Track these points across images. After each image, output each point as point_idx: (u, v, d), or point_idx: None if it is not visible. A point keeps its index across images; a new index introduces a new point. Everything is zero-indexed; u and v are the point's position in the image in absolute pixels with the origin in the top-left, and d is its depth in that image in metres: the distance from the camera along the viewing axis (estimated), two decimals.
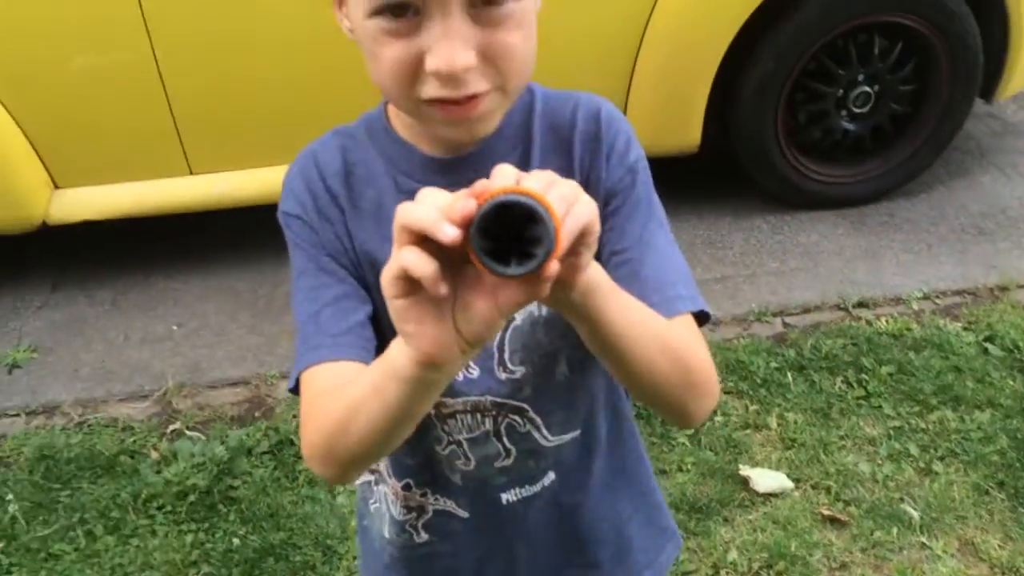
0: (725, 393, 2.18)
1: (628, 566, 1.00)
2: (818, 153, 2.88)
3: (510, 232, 0.54)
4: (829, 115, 2.81)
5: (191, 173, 2.63)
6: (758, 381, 2.20)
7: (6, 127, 2.44)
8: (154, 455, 2.13)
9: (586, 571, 0.98)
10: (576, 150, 0.79)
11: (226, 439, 2.14)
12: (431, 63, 0.66)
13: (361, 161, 0.81)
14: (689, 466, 1.99)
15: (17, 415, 2.31)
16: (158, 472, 2.07)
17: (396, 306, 0.57)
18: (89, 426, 2.24)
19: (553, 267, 0.54)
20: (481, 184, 0.55)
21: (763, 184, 2.91)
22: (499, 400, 0.84)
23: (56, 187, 2.61)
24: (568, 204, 0.55)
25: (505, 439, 0.87)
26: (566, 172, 0.78)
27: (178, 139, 2.54)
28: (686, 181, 2.95)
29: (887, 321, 2.37)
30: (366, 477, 0.99)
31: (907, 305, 2.45)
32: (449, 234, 0.52)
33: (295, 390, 0.79)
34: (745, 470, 1.95)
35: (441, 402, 0.84)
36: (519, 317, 0.82)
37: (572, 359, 0.85)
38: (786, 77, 2.68)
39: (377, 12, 0.67)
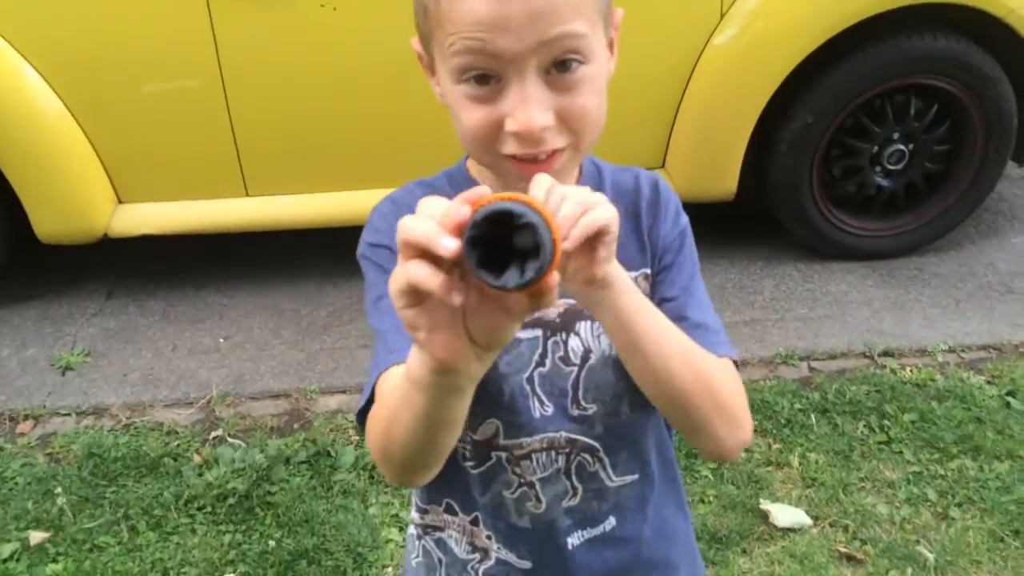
0: None
1: None
2: (851, 206, 2.95)
3: (509, 239, 0.52)
4: (863, 170, 2.89)
5: (247, 195, 2.76)
6: (782, 421, 2.26)
7: (79, 145, 2.60)
8: (196, 459, 2.23)
9: None
10: (643, 214, 0.89)
11: (265, 448, 2.23)
12: (511, 125, 0.74)
13: None
14: (711, 498, 2.05)
15: (68, 415, 2.42)
16: (200, 475, 2.16)
17: (406, 316, 0.57)
18: (136, 428, 2.35)
19: (554, 279, 0.54)
20: (477, 191, 0.55)
21: (796, 233, 2.98)
22: (573, 436, 0.88)
23: (119, 202, 2.75)
24: (586, 207, 0.61)
25: (574, 477, 0.90)
26: (635, 232, 0.89)
27: (238, 162, 2.68)
28: (720, 226, 3.03)
29: (912, 371, 2.42)
30: (410, 531, 1.03)
31: (932, 357, 2.50)
32: (448, 247, 0.52)
33: (365, 411, 0.81)
34: (766, 505, 2.01)
35: (517, 443, 0.88)
36: (594, 357, 0.87)
37: (633, 401, 0.88)
38: (822, 132, 2.77)
39: (463, 80, 0.75)
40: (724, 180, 2.80)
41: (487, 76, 0.73)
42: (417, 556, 1.02)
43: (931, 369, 2.43)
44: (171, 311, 2.88)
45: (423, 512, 0.99)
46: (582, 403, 0.88)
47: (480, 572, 0.96)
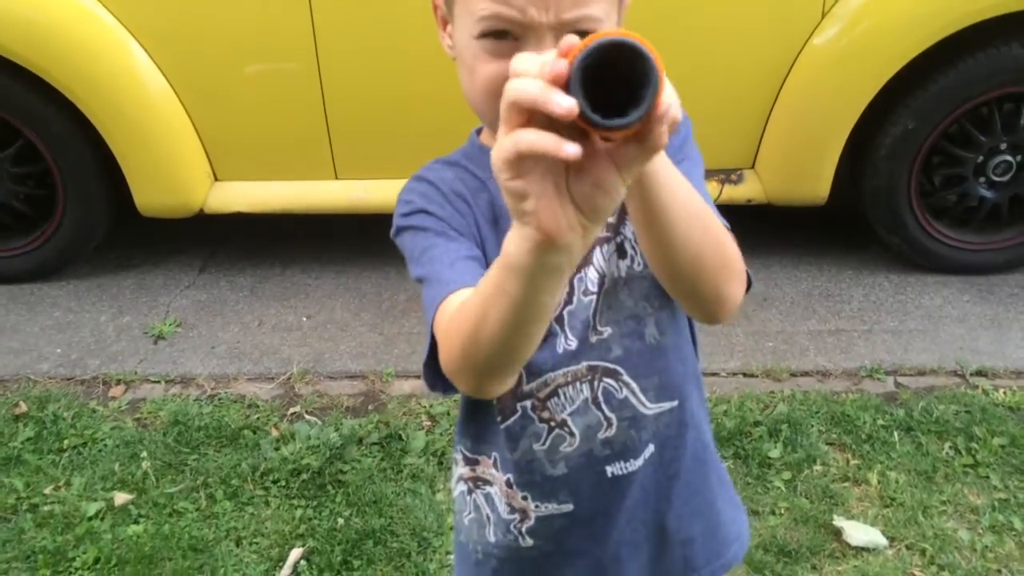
0: (827, 444, 2.17)
1: (719, 539, 1.03)
2: (951, 217, 2.84)
3: (604, 90, 0.50)
4: (966, 180, 2.77)
5: (336, 177, 2.82)
6: (863, 437, 2.18)
7: (182, 124, 2.70)
8: (274, 433, 2.29)
9: (683, 548, 1.00)
10: None
11: (340, 427, 2.28)
12: None
13: (467, 177, 0.92)
14: (782, 510, 2.00)
15: (158, 382, 2.52)
16: (276, 449, 2.22)
17: (513, 186, 0.56)
18: (219, 399, 2.43)
19: (662, 109, 0.51)
20: (567, 40, 0.52)
21: (889, 243, 2.88)
22: (591, 363, 0.90)
23: (216, 179, 2.84)
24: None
25: (604, 407, 0.91)
26: None
27: (329, 145, 2.74)
28: (810, 232, 2.95)
29: (1005, 393, 2.31)
30: (460, 487, 1.03)
31: None
32: (563, 105, 0.50)
33: (431, 362, 0.82)
34: (839, 521, 1.95)
35: (541, 383, 0.90)
36: (608, 281, 0.88)
37: (660, 320, 0.91)
38: (924, 139, 2.66)
39: (482, 35, 0.77)
40: (816, 184, 2.72)
41: (505, 32, 0.76)
42: (469, 512, 1.03)
43: None
44: (259, 288, 2.96)
45: (473, 464, 1.00)
46: (597, 327, 0.89)
47: (523, 530, 0.98)
